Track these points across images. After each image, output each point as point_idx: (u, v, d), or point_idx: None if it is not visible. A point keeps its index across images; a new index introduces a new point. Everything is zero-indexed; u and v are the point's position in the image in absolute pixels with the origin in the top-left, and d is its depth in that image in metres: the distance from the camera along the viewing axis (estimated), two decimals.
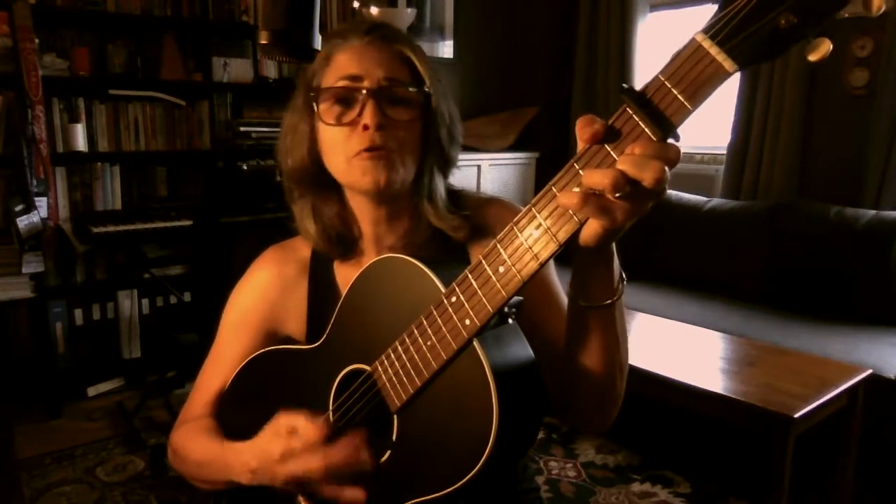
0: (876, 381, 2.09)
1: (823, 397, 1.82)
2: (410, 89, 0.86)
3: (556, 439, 2.66)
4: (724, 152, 3.43)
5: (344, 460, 0.76)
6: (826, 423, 1.91)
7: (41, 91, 2.80)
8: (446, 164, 0.93)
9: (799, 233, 2.91)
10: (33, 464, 2.47)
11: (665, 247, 3.26)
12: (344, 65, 0.86)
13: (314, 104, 0.87)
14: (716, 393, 1.90)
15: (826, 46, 0.52)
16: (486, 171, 3.96)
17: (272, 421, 0.82)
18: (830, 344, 2.40)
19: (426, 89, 0.87)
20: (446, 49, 4.08)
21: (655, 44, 3.79)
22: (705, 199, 3.32)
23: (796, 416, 1.72)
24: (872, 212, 2.80)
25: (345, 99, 0.85)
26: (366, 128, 0.82)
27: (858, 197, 2.96)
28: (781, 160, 3.19)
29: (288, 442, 0.78)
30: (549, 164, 4.16)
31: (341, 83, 0.85)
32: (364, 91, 0.83)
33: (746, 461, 2.47)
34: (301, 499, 0.87)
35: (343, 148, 0.85)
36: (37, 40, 2.77)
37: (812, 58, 0.53)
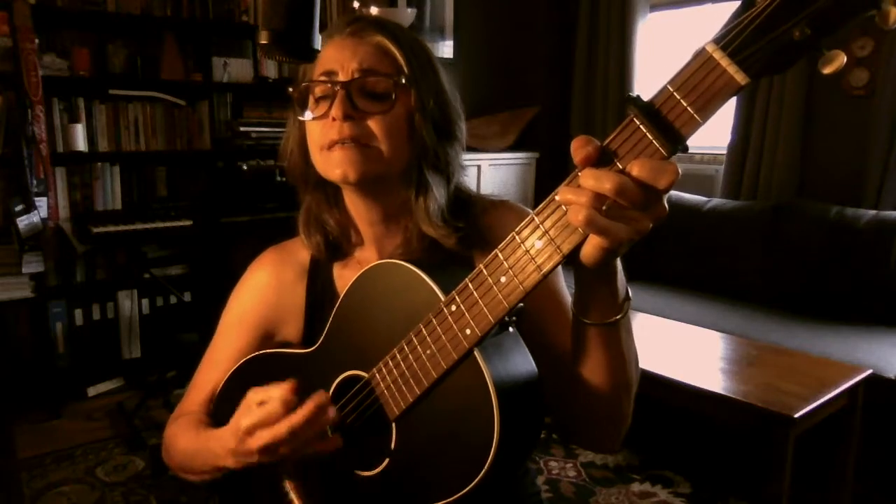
0: (876, 381, 2.08)
1: (823, 397, 1.82)
2: (385, 79, 0.83)
3: (556, 439, 2.66)
4: (724, 152, 3.43)
5: (307, 418, 0.74)
6: (826, 423, 1.91)
7: (41, 91, 2.80)
8: (437, 161, 0.88)
9: (799, 233, 2.91)
10: (33, 464, 2.47)
11: (665, 247, 3.26)
12: (324, 60, 0.86)
13: (294, 99, 0.88)
14: (716, 393, 1.90)
15: (841, 59, 0.51)
16: (486, 171, 3.96)
17: (244, 398, 0.81)
18: (830, 344, 2.40)
19: (403, 80, 0.84)
20: (446, 49, 4.08)
21: (655, 44, 3.79)
22: (705, 199, 3.32)
23: (796, 416, 1.72)
24: (872, 212, 2.80)
25: (321, 93, 0.85)
26: (334, 119, 0.82)
27: (858, 197, 2.96)
28: (781, 160, 3.19)
29: (251, 413, 0.77)
30: (549, 164, 4.16)
31: (317, 78, 0.86)
32: (337, 84, 0.83)
33: (746, 461, 2.46)
34: (287, 483, 0.86)
35: (317, 140, 0.85)
36: (37, 40, 2.77)
37: (826, 70, 0.51)
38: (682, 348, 2.31)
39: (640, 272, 3.14)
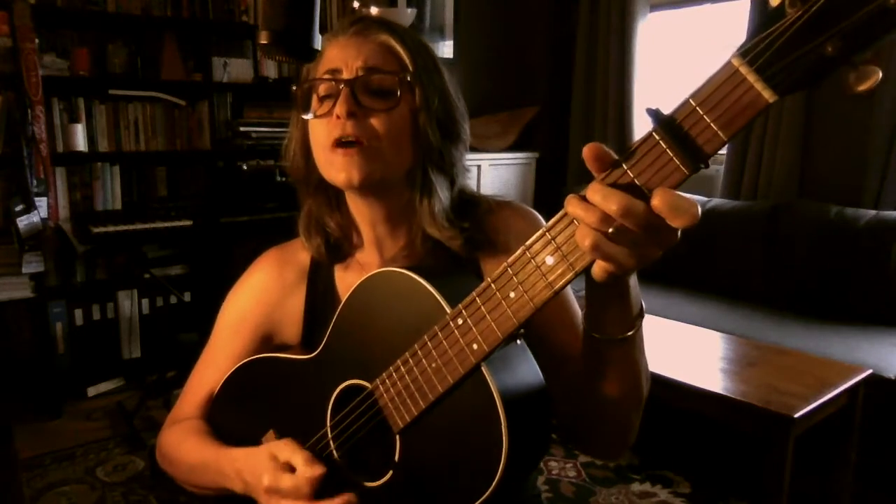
0: (876, 381, 2.08)
1: (823, 397, 1.82)
2: (390, 77, 0.82)
3: (556, 439, 2.66)
4: (724, 152, 3.42)
5: None
6: (826, 423, 1.91)
7: (41, 91, 2.80)
8: (442, 162, 0.87)
9: (799, 233, 2.90)
10: (33, 464, 2.47)
11: None
12: (328, 59, 0.86)
13: (298, 99, 0.87)
14: (716, 393, 1.90)
15: (876, 75, 0.46)
16: (486, 171, 3.96)
17: (276, 442, 0.81)
18: (830, 344, 2.40)
19: (407, 78, 0.83)
20: (446, 49, 4.08)
21: (655, 44, 3.79)
22: (705, 199, 3.32)
23: (796, 416, 1.72)
24: (872, 212, 2.79)
25: (325, 92, 0.84)
26: (338, 117, 0.80)
27: (858, 197, 2.96)
28: (781, 160, 3.18)
29: (279, 477, 0.77)
30: (549, 164, 4.16)
31: (322, 76, 0.85)
32: (341, 82, 0.81)
33: (747, 461, 2.46)
34: None
35: (321, 140, 0.83)
36: (37, 40, 2.77)
37: (861, 87, 0.47)
38: (682, 348, 2.31)
39: (639, 272, 3.12)
